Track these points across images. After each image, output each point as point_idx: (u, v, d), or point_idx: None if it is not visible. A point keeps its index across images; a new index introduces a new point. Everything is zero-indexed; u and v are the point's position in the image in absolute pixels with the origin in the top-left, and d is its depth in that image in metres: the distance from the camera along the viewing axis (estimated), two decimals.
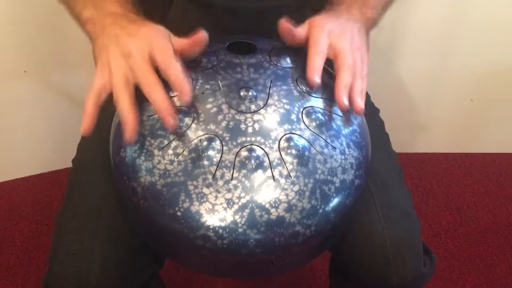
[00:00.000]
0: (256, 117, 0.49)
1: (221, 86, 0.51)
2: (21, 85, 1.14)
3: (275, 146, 0.47)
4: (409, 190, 0.66)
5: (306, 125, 0.49)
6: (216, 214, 0.45)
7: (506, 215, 1.24)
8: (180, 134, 0.47)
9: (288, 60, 0.55)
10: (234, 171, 0.46)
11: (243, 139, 0.47)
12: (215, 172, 0.46)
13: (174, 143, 0.47)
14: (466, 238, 1.18)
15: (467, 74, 1.24)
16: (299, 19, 0.53)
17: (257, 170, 0.46)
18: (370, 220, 0.59)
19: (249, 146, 0.47)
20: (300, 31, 0.52)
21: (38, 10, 1.02)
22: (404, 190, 0.65)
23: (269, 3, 0.66)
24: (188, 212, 0.45)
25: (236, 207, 0.45)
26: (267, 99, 0.50)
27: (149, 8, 0.61)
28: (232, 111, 0.49)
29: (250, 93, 0.50)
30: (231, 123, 0.48)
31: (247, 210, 0.45)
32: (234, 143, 0.47)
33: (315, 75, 0.49)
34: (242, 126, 0.48)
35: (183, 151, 0.47)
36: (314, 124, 0.49)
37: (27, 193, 1.26)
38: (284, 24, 0.51)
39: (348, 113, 0.52)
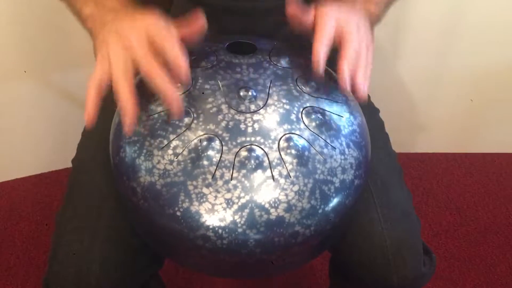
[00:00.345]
0: (255, 117, 0.49)
1: (220, 86, 0.51)
2: (21, 85, 1.14)
3: (275, 146, 0.47)
4: (409, 190, 0.66)
5: (305, 125, 0.49)
6: (215, 214, 0.45)
7: (506, 215, 1.24)
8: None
9: (288, 60, 0.55)
10: (234, 171, 0.46)
11: (243, 139, 0.47)
12: (215, 172, 0.46)
13: (173, 143, 0.47)
14: (466, 238, 1.18)
15: (467, 74, 1.24)
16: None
17: (256, 170, 0.46)
18: (370, 220, 0.59)
19: (249, 146, 0.47)
20: (307, 16, 0.52)
21: (38, 10, 1.02)
22: (404, 190, 0.65)
23: (269, 3, 0.66)
24: (187, 212, 0.45)
25: (235, 207, 0.45)
26: (267, 99, 0.50)
27: (149, 8, 0.61)
28: (232, 111, 0.49)
29: (249, 93, 0.50)
30: (231, 123, 0.48)
31: (246, 210, 0.45)
32: (234, 143, 0.47)
33: (320, 57, 0.49)
34: (242, 126, 0.48)
35: (183, 151, 0.47)
36: (313, 124, 0.49)
37: (27, 193, 1.26)
38: (292, 7, 0.51)
39: (346, 91, 0.51)
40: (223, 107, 0.49)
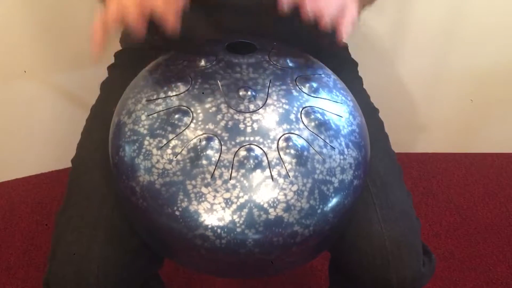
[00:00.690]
0: (255, 116, 0.49)
1: (220, 85, 0.51)
2: (21, 85, 1.14)
3: (274, 146, 0.47)
4: (409, 190, 0.66)
5: (305, 125, 0.49)
6: (214, 213, 0.45)
7: (506, 215, 1.24)
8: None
9: (287, 60, 0.55)
10: (233, 170, 0.46)
11: (242, 138, 0.47)
12: (214, 171, 0.46)
13: (173, 143, 0.47)
14: (466, 238, 1.18)
15: (467, 74, 1.24)
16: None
17: (255, 169, 0.46)
18: (369, 220, 0.59)
19: (248, 146, 0.47)
20: None
21: (38, 10, 1.02)
22: (404, 190, 0.65)
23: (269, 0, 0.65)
24: (186, 211, 0.45)
25: (234, 206, 0.45)
26: (266, 99, 0.50)
27: None
28: (231, 111, 0.49)
29: (249, 93, 0.50)
30: (230, 122, 0.48)
31: (245, 210, 0.45)
32: (233, 142, 0.47)
33: None
34: (241, 126, 0.48)
35: (182, 150, 0.47)
36: (313, 124, 0.49)
37: (27, 193, 1.26)
38: None
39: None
40: (223, 106, 0.49)
